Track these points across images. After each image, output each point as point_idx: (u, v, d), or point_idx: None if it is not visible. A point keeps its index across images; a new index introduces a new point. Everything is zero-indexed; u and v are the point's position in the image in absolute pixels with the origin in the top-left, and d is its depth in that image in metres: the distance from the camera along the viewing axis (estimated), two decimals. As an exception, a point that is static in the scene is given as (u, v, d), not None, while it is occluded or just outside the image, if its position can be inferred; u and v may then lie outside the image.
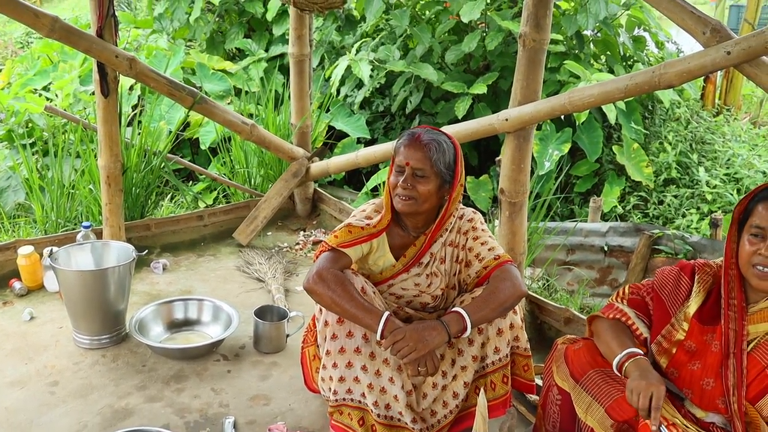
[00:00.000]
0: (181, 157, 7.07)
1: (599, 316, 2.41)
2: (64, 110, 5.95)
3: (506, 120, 3.39)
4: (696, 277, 2.28)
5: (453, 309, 2.47)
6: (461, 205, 2.82)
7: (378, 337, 2.42)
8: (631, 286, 2.43)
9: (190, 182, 6.89)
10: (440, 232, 2.72)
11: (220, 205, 5.09)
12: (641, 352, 2.20)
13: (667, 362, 2.26)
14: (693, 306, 2.24)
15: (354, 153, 4.56)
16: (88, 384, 3.16)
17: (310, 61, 4.94)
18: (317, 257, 2.62)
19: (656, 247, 5.40)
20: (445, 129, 3.72)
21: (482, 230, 2.74)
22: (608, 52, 7.60)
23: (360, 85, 7.33)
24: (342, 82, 7.18)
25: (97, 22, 3.85)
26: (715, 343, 2.19)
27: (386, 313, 2.42)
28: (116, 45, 3.95)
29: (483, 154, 7.28)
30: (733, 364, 2.13)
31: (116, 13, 3.94)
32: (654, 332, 2.32)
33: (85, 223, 3.85)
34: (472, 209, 2.81)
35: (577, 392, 2.32)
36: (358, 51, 7.11)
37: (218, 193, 6.27)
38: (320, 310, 2.60)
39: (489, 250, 2.68)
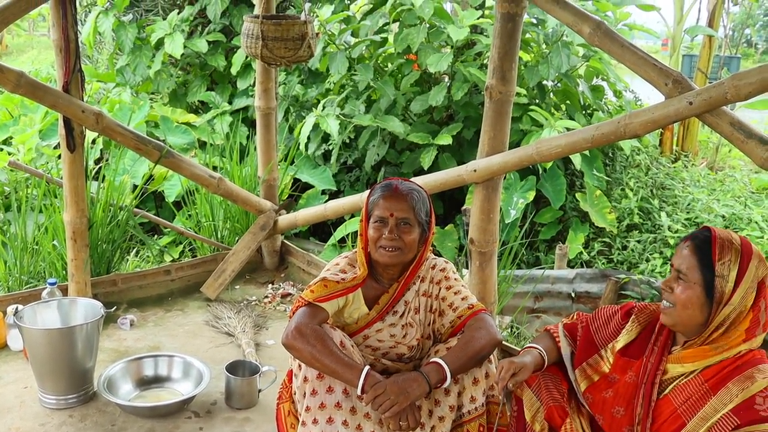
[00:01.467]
0: (146, 210, 7.04)
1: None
2: (27, 165, 5.89)
3: (474, 171, 3.43)
4: (632, 317, 2.41)
5: (431, 360, 2.48)
6: (432, 255, 2.84)
7: (359, 392, 2.40)
8: (577, 314, 2.59)
9: (155, 236, 6.82)
10: (413, 279, 2.73)
11: (187, 260, 5.05)
12: (538, 348, 2.44)
13: (585, 387, 2.39)
14: (621, 342, 2.37)
15: (323, 206, 4.57)
16: (55, 446, 3.08)
17: (276, 114, 4.97)
18: (294, 312, 2.60)
19: (623, 292, 5.46)
20: (415, 180, 3.75)
21: (455, 279, 2.76)
22: (568, 102, 7.76)
23: (326, 138, 7.37)
24: (308, 138, 7.22)
25: (63, 77, 3.83)
26: (631, 374, 2.29)
27: (366, 368, 2.41)
28: (82, 100, 3.93)
29: (448, 203, 7.33)
30: (643, 395, 2.23)
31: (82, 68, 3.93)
32: (578, 358, 2.45)
33: (50, 280, 3.79)
34: (444, 259, 2.84)
35: (528, 396, 2.43)
36: (324, 107, 7.17)
37: (184, 247, 6.22)
38: (299, 366, 2.57)
39: (462, 299, 2.70)
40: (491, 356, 2.62)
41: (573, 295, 5.66)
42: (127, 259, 5.46)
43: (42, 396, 3.37)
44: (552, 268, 6.28)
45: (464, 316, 2.65)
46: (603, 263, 7.04)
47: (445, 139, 6.65)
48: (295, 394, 2.66)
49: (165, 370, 3.58)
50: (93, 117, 3.93)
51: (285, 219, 4.92)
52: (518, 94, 7.14)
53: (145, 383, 3.53)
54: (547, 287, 5.71)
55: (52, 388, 3.34)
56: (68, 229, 4.13)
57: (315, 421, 2.53)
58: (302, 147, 7.07)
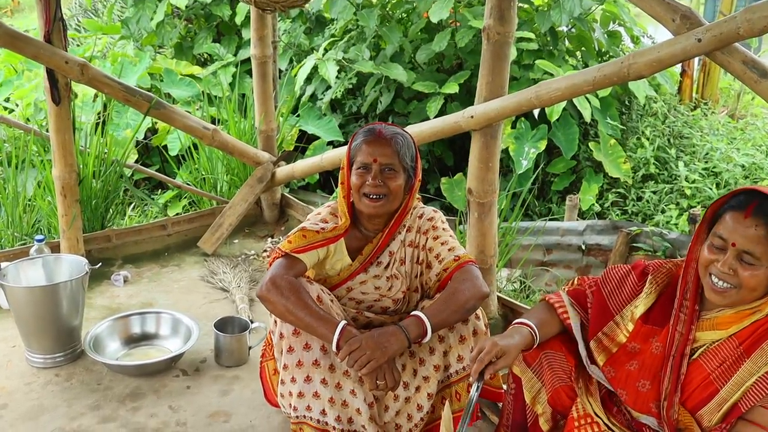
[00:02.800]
0: (149, 166, 6.92)
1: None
2: (27, 121, 5.78)
3: (472, 117, 3.25)
4: (649, 278, 2.17)
5: (412, 313, 2.33)
6: (421, 204, 2.69)
7: (333, 348, 2.27)
8: (580, 279, 2.34)
9: (160, 191, 6.73)
10: (398, 228, 2.59)
11: (184, 214, 4.93)
12: (530, 324, 2.17)
13: (605, 360, 2.16)
14: (641, 307, 2.14)
15: (319, 156, 4.41)
16: (39, 405, 3.00)
17: (274, 63, 4.80)
18: (271, 264, 2.47)
19: (635, 244, 5.29)
20: (410, 128, 3.59)
21: (443, 229, 2.61)
22: (583, 48, 7.49)
23: (329, 86, 7.19)
24: (309, 81, 7.01)
25: (44, 27, 3.68)
26: (657, 344, 2.08)
27: (342, 322, 2.28)
28: (66, 50, 3.78)
29: (458, 153, 7.14)
30: (671, 368, 2.02)
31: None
32: (592, 327, 2.21)
33: (38, 237, 3.67)
34: (433, 208, 2.68)
35: (528, 377, 2.27)
36: (326, 51, 6.95)
37: (187, 202, 6.12)
38: (275, 321, 2.45)
39: (449, 250, 2.54)
40: (479, 312, 2.48)
41: (583, 247, 5.49)
42: (130, 216, 5.37)
43: (29, 355, 3.29)
44: (563, 220, 6.11)
45: (450, 269, 2.49)
46: (617, 215, 6.85)
47: (451, 87, 6.45)
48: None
49: (153, 327, 3.48)
50: (77, 68, 3.78)
51: (282, 171, 4.78)
52: (529, 40, 6.90)
53: (134, 341, 3.43)
54: (557, 239, 5.55)
55: (39, 347, 3.25)
56: (57, 184, 4.01)
57: (293, 380, 2.42)
58: (297, 89, 6.84)
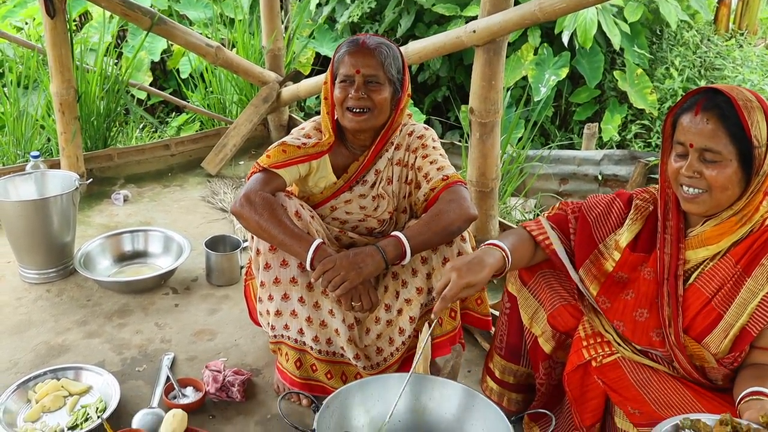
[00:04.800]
0: (164, 89, 6.83)
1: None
2: (37, 40, 5.68)
3: (474, 32, 3.08)
4: (634, 204, 2.04)
5: (391, 233, 2.22)
6: (412, 121, 2.54)
7: (307, 267, 2.18)
8: (562, 203, 2.18)
9: (174, 114, 6.64)
10: (385, 146, 2.45)
11: (188, 134, 4.84)
12: (503, 246, 2.00)
13: (597, 290, 2.03)
14: (627, 235, 2.00)
15: (323, 75, 4.27)
16: (27, 320, 2.98)
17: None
18: (248, 179, 2.37)
19: (652, 176, 5.10)
20: (412, 44, 3.44)
21: (433, 148, 2.46)
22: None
23: (347, 6, 6.97)
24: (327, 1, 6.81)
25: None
26: (648, 269, 1.95)
27: (317, 240, 2.18)
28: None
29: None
30: (668, 293, 1.89)
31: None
32: (579, 255, 2.07)
33: (33, 153, 3.61)
34: (424, 125, 2.53)
35: (524, 296, 2.16)
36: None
37: (200, 125, 6.03)
38: (252, 237, 2.36)
39: (438, 169, 2.39)
40: (465, 234, 2.36)
41: (600, 177, 5.32)
42: (137, 137, 5.29)
43: (22, 270, 3.27)
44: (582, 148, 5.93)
45: (438, 188, 2.35)
46: (640, 147, 6.64)
47: (473, 10, 6.22)
48: (259, 270, 2.46)
49: (145, 245, 3.44)
50: (72, -23, 3.67)
51: (288, 91, 4.65)
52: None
53: (125, 259, 3.40)
54: (573, 169, 5.37)
55: (30, 263, 3.22)
56: (55, 101, 3.93)
57: (270, 297, 2.34)
58: (312, 8, 6.63)
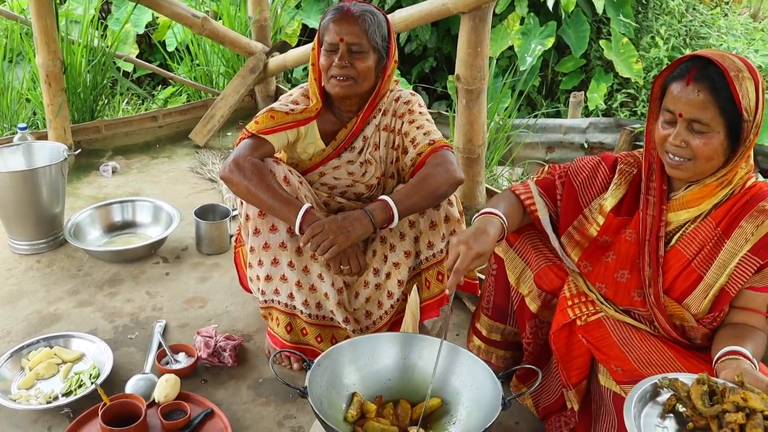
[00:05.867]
0: (150, 62, 6.79)
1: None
2: (21, 12, 5.63)
3: (460, -2, 3.10)
4: (618, 168, 2.06)
5: (379, 198, 2.25)
6: (399, 87, 2.56)
7: (296, 231, 2.21)
8: (550, 167, 2.20)
9: (160, 87, 6.61)
10: (373, 113, 2.47)
11: (176, 105, 4.83)
12: (499, 214, 2.01)
13: (579, 255, 2.06)
14: (611, 199, 2.03)
15: (311, 44, 4.27)
16: (18, 290, 3.00)
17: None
18: (237, 145, 2.39)
19: (638, 143, 5.13)
20: (398, 12, 3.44)
21: (419, 113, 2.48)
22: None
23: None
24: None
25: None
26: (630, 231, 1.98)
27: (306, 205, 2.20)
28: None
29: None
30: (649, 253, 1.93)
31: None
32: (563, 221, 2.11)
33: (20, 125, 3.58)
34: (410, 91, 2.55)
35: (510, 257, 2.19)
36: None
37: (187, 98, 6.01)
38: (241, 203, 2.38)
39: (425, 134, 2.41)
40: (453, 198, 2.39)
41: (586, 145, 5.35)
42: (124, 109, 5.27)
43: (11, 242, 3.28)
44: (568, 117, 5.95)
45: (424, 153, 2.37)
46: (626, 115, 6.67)
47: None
48: (248, 236, 2.49)
49: (135, 215, 3.45)
50: (56, -53, 3.64)
51: (275, 61, 4.64)
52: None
53: (116, 229, 3.41)
54: (559, 137, 5.40)
55: (20, 233, 3.23)
56: (41, 72, 3.92)
57: (260, 263, 2.37)
58: None
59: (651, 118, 1.93)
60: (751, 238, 1.82)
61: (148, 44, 7.20)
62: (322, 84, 2.43)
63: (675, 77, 1.82)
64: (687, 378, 1.69)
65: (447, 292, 1.95)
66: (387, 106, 2.51)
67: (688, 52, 7.11)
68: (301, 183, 2.40)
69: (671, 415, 1.66)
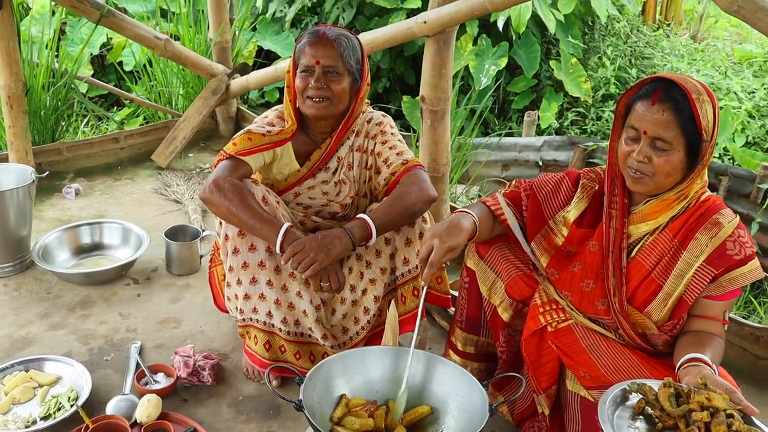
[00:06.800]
0: (108, 83, 6.76)
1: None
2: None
3: (425, 23, 3.19)
4: (581, 183, 2.18)
5: (357, 216, 2.33)
6: (370, 109, 2.65)
7: (277, 250, 2.26)
8: (517, 181, 2.32)
9: (115, 108, 6.58)
10: (347, 134, 2.55)
11: (137, 127, 4.84)
12: (471, 213, 2.13)
13: (547, 262, 2.18)
14: (573, 212, 2.15)
15: (273, 66, 4.34)
16: (-13, 314, 2.98)
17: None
18: (215, 166, 2.44)
19: (591, 160, 5.31)
20: (364, 35, 3.53)
21: (391, 134, 2.57)
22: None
23: (291, 1, 7.02)
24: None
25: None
26: (593, 243, 2.10)
27: (286, 225, 2.26)
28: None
29: (420, 72, 7.06)
30: (613, 263, 2.05)
31: None
32: (530, 231, 2.22)
33: (-17, 147, 3.59)
34: (381, 113, 2.64)
35: (482, 269, 2.28)
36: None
37: (144, 119, 6.00)
38: (220, 223, 2.42)
39: (397, 154, 2.51)
40: (426, 216, 2.48)
41: (540, 163, 5.51)
42: (83, 131, 5.25)
43: (-23, 265, 3.25)
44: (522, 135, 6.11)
45: (398, 173, 2.46)
46: (576, 133, 6.87)
47: (413, 2, 6.34)
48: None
49: (103, 237, 3.45)
50: (19, -30, 3.64)
51: (237, 83, 4.69)
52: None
53: (84, 251, 3.41)
54: (514, 155, 5.56)
55: (-14, 257, 3.22)
56: (3, 94, 3.89)
57: (239, 282, 2.42)
58: (258, 4, 6.66)
59: (614, 135, 2.05)
60: (705, 249, 1.94)
61: (101, 65, 7.16)
62: (297, 105, 2.50)
63: (640, 96, 1.94)
64: (654, 383, 1.80)
65: (422, 284, 2.03)
66: (360, 127, 2.59)
67: (633, 71, 7.37)
68: (278, 203, 2.46)
69: (641, 416, 1.76)
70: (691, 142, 1.90)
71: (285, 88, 2.53)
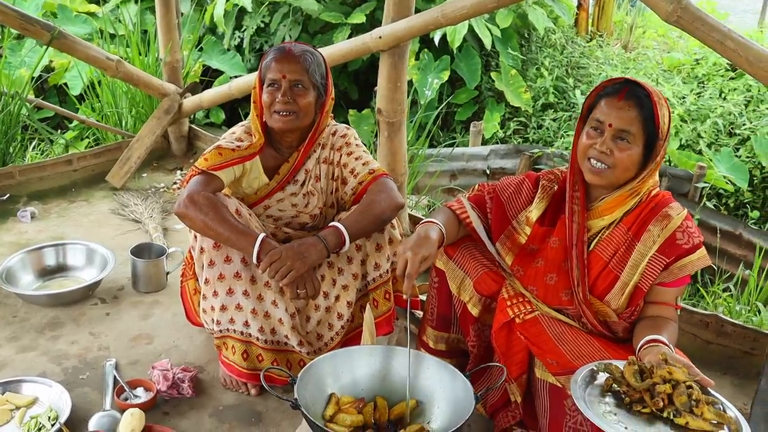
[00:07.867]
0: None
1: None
2: None
3: (380, 38, 3.31)
4: (540, 184, 2.34)
5: (330, 224, 2.41)
6: (334, 122, 2.74)
7: (254, 260, 2.33)
8: (480, 185, 2.47)
9: (59, 131, 6.52)
10: (313, 147, 2.64)
11: (90, 149, 4.83)
12: (437, 222, 2.25)
13: (512, 260, 2.32)
14: (535, 211, 2.30)
15: (227, 84, 4.40)
16: (-47, 340, 2.96)
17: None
18: (187, 182, 2.49)
19: (537, 167, 5.49)
20: (320, 50, 3.61)
21: (356, 145, 2.68)
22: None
23: (240, 25, 7.07)
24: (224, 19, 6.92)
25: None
26: (554, 239, 2.25)
27: (261, 235, 2.33)
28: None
29: (363, 88, 7.19)
30: (576, 256, 2.19)
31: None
32: (494, 232, 2.37)
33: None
34: (346, 125, 2.74)
35: (451, 268, 2.39)
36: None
37: (90, 141, 5.97)
38: (195, 237, 2.48)
39: (363, 164, 2.61)
40: (395, 221, 2.58)
41: (488, 171, 5.67)
42: (32, 154, 5.20)
43: (-63, 291, 3.22)
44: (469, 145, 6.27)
45: (365, 182, 2.57)
46: (519, 142, 7.07)
47: (358, 17, 6.47)
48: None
49: (68, 258, 3.45)
50: (-33, -5, 3.64)
51: (190, 101, 4.73)
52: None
53: (48, 273, 3.40)
54: (462, 165, 5.71)
55: (-55, 283, 3.19)
56: (-47, 119, 3.88)
57: (215, 294, 2.48)
58: (221, 30, 6.73)
59: (578, 135, 2.20)
60: (657, 239, 2.11)
61: (40, 88, 7.10)
62: (264, 120, 2.58)
63: (607, 93, 2.12)
64: (619, 363, 1.95)
65: (404, 296, 2.14)
66: (325, 140, 2.68)
67: (570, 81, 7.63)
68: (251, 215, 2.53)
69: (609, 393, 1.91)
70: (649, 140, 2.08)
71: (251, 104, 2.60)
